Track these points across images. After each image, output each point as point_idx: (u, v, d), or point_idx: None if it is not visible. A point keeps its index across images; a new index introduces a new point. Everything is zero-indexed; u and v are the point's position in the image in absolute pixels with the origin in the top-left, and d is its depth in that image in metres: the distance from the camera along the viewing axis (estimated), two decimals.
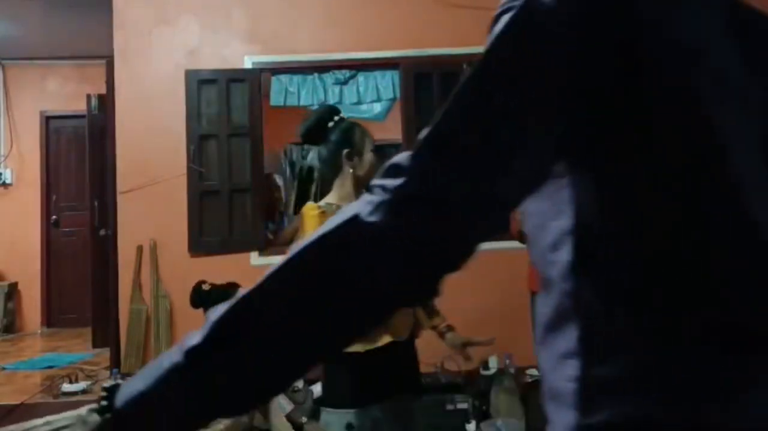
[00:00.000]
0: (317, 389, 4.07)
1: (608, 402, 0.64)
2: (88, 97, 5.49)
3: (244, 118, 4.68)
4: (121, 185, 4.62)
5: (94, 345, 5.54)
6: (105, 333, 5.16)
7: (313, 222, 2.21)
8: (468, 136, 0.63)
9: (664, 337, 0.64)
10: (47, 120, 7.18)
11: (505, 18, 0.65)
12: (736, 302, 0.63)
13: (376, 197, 0.63)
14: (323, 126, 2.32)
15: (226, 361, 0.63)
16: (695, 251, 0.64)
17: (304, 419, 3.81)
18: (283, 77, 4.91)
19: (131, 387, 0.64)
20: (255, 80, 4.73)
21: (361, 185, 2.35)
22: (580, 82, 0.63)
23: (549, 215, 0.71)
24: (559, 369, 0.69)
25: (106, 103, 5.00)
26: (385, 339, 2.29)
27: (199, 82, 4.65)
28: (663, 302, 0.64)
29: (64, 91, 7.02)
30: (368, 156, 2.35)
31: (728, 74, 0.66)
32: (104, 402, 0.64)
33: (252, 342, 0.63)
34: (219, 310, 0.63)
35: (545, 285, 0.73)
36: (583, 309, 0.67)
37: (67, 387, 4.24)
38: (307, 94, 4.91)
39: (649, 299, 0.64)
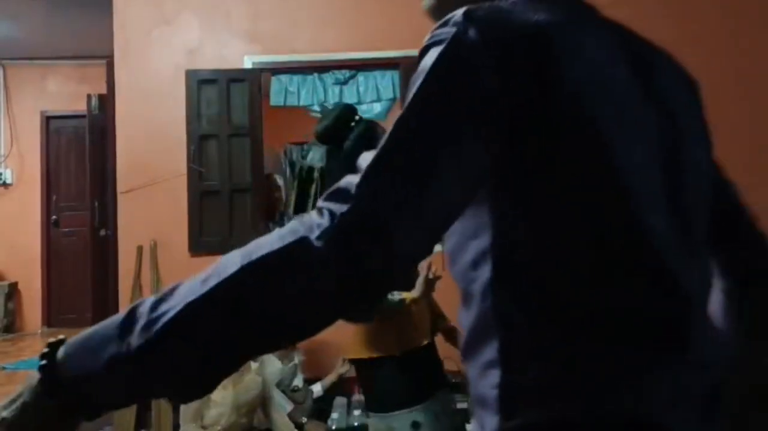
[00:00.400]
0: (317, 389, 4.07)
1: (527, 405, 0.71)
2: (89, 97, 5.49)
3: (244, 118, 4.68)
4: (121, 185, 4.62)
5: None
6: None
7: None
8: (406, 165, 0.68)
9: (576, 341, 0.70)
10: (47, 120, 7.18)
11: (434, 51, 0.70)
12: (638, 306, 0.71)
13: (324, 221, 0.66)
14: (344, 126, 2.29)
15: (172, 357, 0.67)
16: (600, 264, 0.71)
17: (304, 419, 3.82)
18: (283, 77, 4.91)
19: (75, 366, 0.68)
20: (255, 80, 4.73)
21: None
22: (501, 113, 0.69)
23: (468, 235, 0.76)
24: (483, 378, 0.75)
25: (106, 103, 4.99)
26: (425, 340, 2.34)
27: (199, 82, 4.65)
28: (573, 310, 0.71)
29: (65, 91, 7.03)
30: None
31: (627, 101, 0.76)
32: (50, 385, 0.69)
33: (196, 345, 0.67)
34: (166, 306, 0.66)
35: (465, 301, 0.79)
36: (502, 322, 0.74)
37: None
38: (307, 94, 4.91)
39: (560, 309, 0.71)
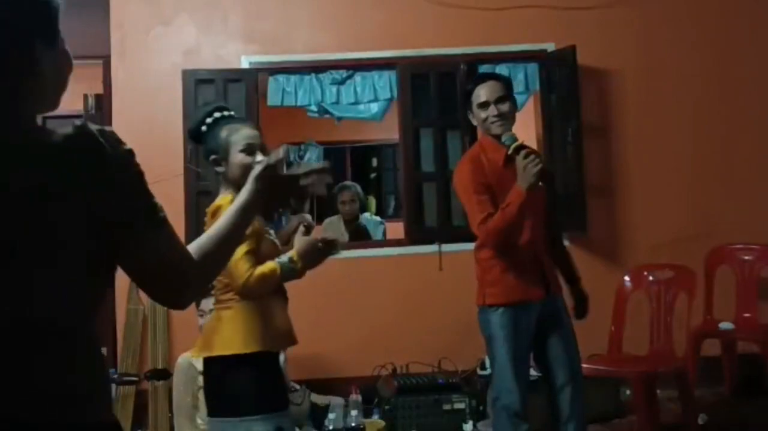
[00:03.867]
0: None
1: None
2: (85, 96, 5.47)
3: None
4: None
5: None
6: (101, 333, 5.15)
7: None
8: None
9: None
10: (44, 120, 7.16)
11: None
12: None
13: None
14: (198, 127, 2.16)
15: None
16: None
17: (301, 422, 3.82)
18: (281, 77, 4.90)
19: None
20: (252, 80, 4.72)
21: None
22: None
23: None
24: None
25: (102, 103, 4.99)
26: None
27: (196, 82, 4.64)
28: None
29: None
30: (238, 158, 2.14)
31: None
32: None
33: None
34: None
35: None
36: None
37: None
38: (305, 94, 4.90)
39: None
